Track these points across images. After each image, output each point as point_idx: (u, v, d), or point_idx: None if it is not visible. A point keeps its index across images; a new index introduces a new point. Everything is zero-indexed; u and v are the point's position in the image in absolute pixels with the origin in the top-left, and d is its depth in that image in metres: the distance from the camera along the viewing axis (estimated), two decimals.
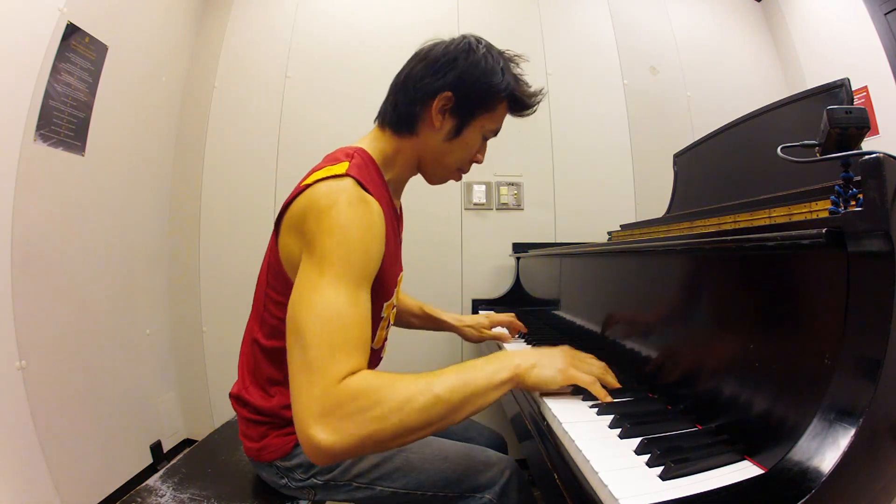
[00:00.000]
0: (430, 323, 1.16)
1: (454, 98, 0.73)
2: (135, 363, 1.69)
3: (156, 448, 1.73)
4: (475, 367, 0.61)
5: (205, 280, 1.95)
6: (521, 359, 0.64)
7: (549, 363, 0.65)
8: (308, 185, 0.64)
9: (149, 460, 1.69)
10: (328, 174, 0.63)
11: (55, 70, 1.32)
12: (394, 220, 0.77)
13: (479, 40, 0.76)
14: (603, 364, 0.71)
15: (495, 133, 0.81)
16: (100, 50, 1.49)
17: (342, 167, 0.65)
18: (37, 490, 1.21)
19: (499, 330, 1.17)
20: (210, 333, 1.94)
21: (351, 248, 0.59)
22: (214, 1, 2.11)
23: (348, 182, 0.63)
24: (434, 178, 0.83)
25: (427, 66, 0.74)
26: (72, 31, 1.37)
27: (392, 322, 0.88)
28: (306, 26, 2.06)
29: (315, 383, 0.52)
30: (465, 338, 1.16)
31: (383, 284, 0.71)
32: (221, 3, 2.10)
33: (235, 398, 0.80)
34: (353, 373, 0.55)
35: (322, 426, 0.51)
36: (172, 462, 0.91)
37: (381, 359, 0.90)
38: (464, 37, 0.76)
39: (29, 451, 1.20)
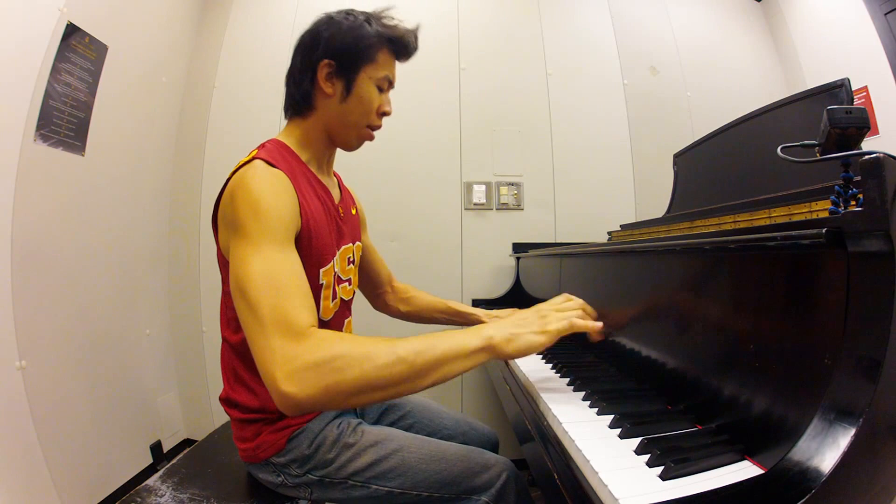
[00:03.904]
0: (459, 318, 1.17)
1: (334, 62, 0.78)
2: (135, 363, 1.69)
3: (156, 448, 1.73)
4: (445, 336, 0.61)
5: (205, 280, 1.95)
6: (494, 330, 0.63)
7: (525, 328, 0.64)
8: (227, 181, 0.71)
9: (149, 460, 1.69)
10: (239, 164, 0.71)
11: (55, 70, 1.32)
12: (322, 194, 0.82)
13: (339, 11, 0.82)
14: (579, 301, 0.71)
15: (390, 82, 0.84)
16: (100, 50, 1.49)
17: (251, 155, 0.73)
18: (37, 490, 1.21)
19: None
20: (210, 333, 1.94)
21: (265, 216, 0.64)
22: (214, 1, 2.11)
23: (256, 162, 0.70)
24: (348, 142, 0.85)
25: (302, 50, 0.81)
26: (72, 31, 1.37)
27: (343, 296, 0.86)
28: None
29: (273, 341, 0.56)
30: None
31: (315, 250, 0.75)
32: (221, 3, 2.11)
33: (225, 401, 0.81)
34: (311, 325, 0.58)
35: (287, 380, 0.54)
36: (172, 462, 0.91)
37: None
38: (324, 13, 0.82)
39: (29, 451, 1.20)
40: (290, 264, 0.64)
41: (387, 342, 0.59)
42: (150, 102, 1.80)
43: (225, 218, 0.69)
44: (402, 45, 0.82)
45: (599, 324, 0.67)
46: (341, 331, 0.88)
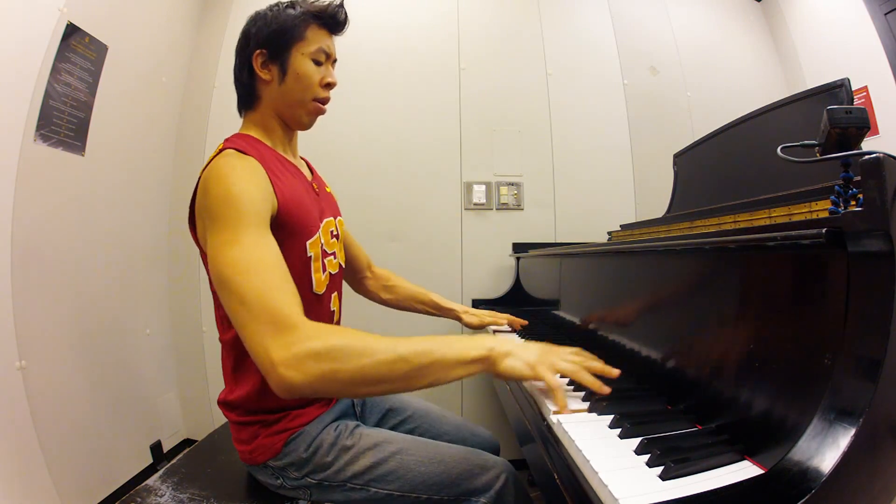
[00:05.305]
0: (438, 311, 1.20)
1: (265, 49, 0.81)
2: (135, 363, 1.69)
3: (156, 448, 1.73)
4: (447, 341, 0.62)
5: (205, 280, 1.93)
6: (497, 343, 0.64)
7: (523, 355, 0.64)
8: (200, 176, 0.73)
9: (149, 460, 1.69)
10: (210, 157, 0.74)
11: (55, 70, 1.32)
12: (294, 172, 0.85)
13: (266, 7, 0.85)
14: (580, 356, 0.67)
15: (327, 55, 0.85)
16: (100, 50, 1.49)
17: (219, 148, 0.76)
18: (37, 490, 1.21)
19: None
20: (210, 333, 1.94)
21: (237, 202, 0.65)
22: (214, 1, 2.11)
23: (226, 151, 0.73)
24: (299, 120, 0.87)
25: (238, 51, 0.85)
26: (72, 31, 1.37)
27: (330, 270, 0.87)
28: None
29: (265, 328, 0.57)
30: (465, 323, 1.19)
31: (299, 223, 0.78)
32: (221, 3, 2.10)
33: (223, 404, 0.83)
34: (300, 313, 0.59)
35: (285, 365, 0.55)
36: (172, 462, 0.91)
37: (332, 312, 0.89)
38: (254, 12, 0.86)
39: (29, 451, 1.20)
40: (269, 248, 0.65)
41: (390, 340, 0.60)
42: (150, 102, 1.80)
43: (201, 211, 0.70)
44: (328, 17, 0.84)
45: (602, 387, 0.62)
46: (329, 306, 0.89)
